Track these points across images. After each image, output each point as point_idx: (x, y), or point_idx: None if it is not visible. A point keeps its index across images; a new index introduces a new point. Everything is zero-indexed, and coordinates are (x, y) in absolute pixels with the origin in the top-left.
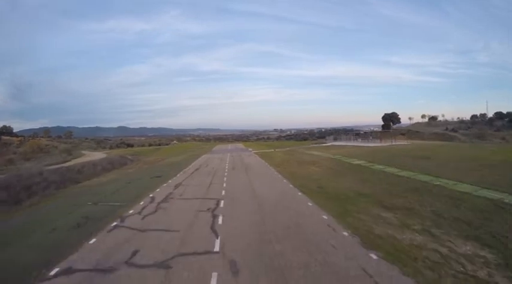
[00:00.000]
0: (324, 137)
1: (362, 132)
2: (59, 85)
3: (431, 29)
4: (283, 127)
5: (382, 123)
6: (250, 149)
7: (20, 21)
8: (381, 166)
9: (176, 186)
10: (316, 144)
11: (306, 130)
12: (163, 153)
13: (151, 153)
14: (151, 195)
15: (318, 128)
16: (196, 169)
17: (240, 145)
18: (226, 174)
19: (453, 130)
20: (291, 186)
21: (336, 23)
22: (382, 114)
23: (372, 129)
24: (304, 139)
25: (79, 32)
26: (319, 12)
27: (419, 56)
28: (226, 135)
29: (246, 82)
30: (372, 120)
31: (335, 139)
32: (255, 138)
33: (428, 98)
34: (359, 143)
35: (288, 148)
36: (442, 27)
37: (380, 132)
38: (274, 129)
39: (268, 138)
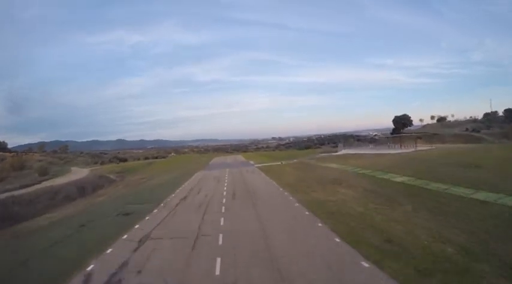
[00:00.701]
0: (323, 144)
1: (377, 138)
2: (56, 99)
3: (426, 31)
4: (282, 135)
5: (380, 126)
6: (251, 162)
7: (16, 35)
8: (441, 185)
9: (141, 241)
10: (324, 152)
11: (305, 138)
12: (153, 169)
13: (142, 169)
14: (90, 268)
15: (316, 135)
16: (184, 199)
17: (240, 157)
18: (223, 209)
19: (474, 130)
20: (336, 239)
21: (332, 28)
22: (380, 118)
23: (370, 133)
24: (307, 147)
25: (76, 44)
26: (316, 19)
27: (415, 58)
28: (224, 145)
29: (243, 91)
30: (371, 124)
31: (344, 146)
32: (254, 147)
33: (423, 99)
34: (377, 150)
35: (295, 160)
36: (439, 28)
37: (394, 136)
38: (273, 137)
39: (268, 147)
